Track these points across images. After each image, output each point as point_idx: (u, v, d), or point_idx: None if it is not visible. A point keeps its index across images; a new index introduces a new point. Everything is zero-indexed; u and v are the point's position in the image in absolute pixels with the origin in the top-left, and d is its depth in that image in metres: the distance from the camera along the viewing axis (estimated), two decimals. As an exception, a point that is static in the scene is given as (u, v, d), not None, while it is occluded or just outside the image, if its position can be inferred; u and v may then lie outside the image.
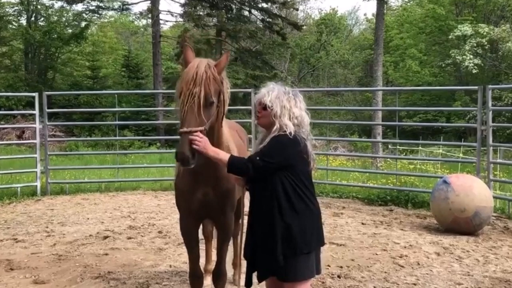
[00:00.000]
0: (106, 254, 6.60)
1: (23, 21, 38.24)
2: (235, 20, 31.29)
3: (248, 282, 3.58)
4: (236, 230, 4.53)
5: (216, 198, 3.78)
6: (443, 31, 34.22)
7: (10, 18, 37.02)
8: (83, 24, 37.64)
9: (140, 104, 31.87)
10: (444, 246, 7.01)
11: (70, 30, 38.16)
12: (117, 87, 36.60)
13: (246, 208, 3.78)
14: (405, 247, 6.98)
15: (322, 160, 12.49)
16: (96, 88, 35.53)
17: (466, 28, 28.10)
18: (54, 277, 5.72)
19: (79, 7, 35.97)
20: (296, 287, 3.36)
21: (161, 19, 34.05)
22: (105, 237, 7.47)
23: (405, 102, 34.46)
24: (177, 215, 8.63)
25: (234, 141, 4.16)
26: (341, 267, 6.00)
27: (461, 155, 16.22)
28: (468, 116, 28.10)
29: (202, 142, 3.28)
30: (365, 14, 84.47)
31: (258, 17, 33.33)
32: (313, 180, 3.61)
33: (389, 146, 21.80)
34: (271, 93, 3.42)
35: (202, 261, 4.63)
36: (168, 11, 47.31)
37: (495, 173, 11.10)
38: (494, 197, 8.54)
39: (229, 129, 4.09)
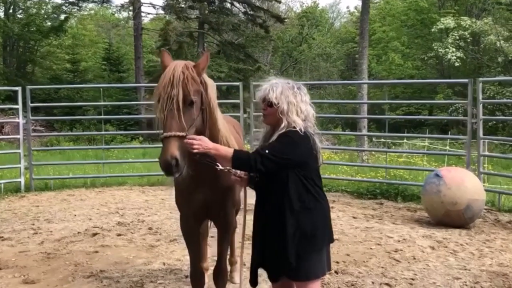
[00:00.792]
0: (97, 252, 6.44)
1: (1, 13, 37.58)
2: (218, 13, 31.08)
3: (254, 282, 3.48)
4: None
5: (218, 197, 3.67)
6: (425, 24, 34.42)
7: (-13, 10, 36.39)
8: (62, 16, 37.07)
9: (122, 98, 31.53)
10: (438, 240, 6.99)
11: (49, 23, 37.58)
12: (98, 81, 36.18)
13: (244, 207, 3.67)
14: (399, 241, 6.94)
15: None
16: (76, 82, 35.05)
17: (448, 21, 28.28)
18: (44, 276, 5.56)
19: (58, -1, 35.48)
20: (308, 285, 3.27)
21: (143, 12, 33.71)
22: (94, 234, 7.30)
23: (387, 95, 34.58)
24: (166, 211, 8.70)
25: (234, 137, 4.03)
26: (338, 262, 5.92)
27: (447, 147, 16.31)
28: (451, 109, 28.34)
29: (200, 142, 3.13)
30: (347, 7, 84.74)
31: (241, 9, 33.13)
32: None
33: (373, 139, 21.87)
34: (276, 89, 3.28)
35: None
36: (150, 4, 46.67)
37: (484, 165, 11.13)
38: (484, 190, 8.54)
39: (227, 124, 3.97)
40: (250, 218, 3.48)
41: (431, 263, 5.97)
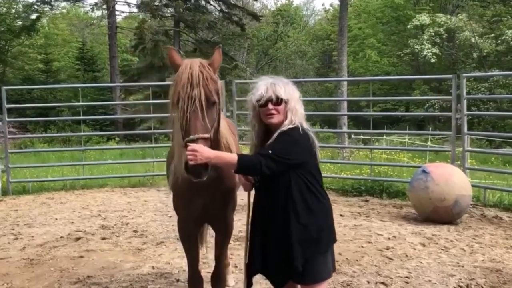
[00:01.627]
0: (82, 257, 6.23)
1: (-30, 12, 36.66)
2: (193, 11, 30.85)
3: (248, 284, 3.38)
4: None
5: (217, 201, 3.52)
6: (401, 21, 34.70)
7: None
8: (34, 15, 36.33)
9: (97, 98, 31.03)
10: (427, 237, 6.95)
11: (20, 22, 36.74)
12: (72, 81, 35.62)
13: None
14: (389, 239, 6.89)
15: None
16: (50, 82, 34.41)
17: (424, 18, 28.51)
18: (28, 283, 5.34)
19: (29, -2, 34.78)
20: None
21: (117, 10, 33.28)
22: (78, 238, 7.08)
23: (364, 92, 34.78)
24: (150, 213, 8.53)
25: (232, 137, 3.89)
26: (330, 262, 5.82)
27: (429, 143, 16.38)
28: (427, 105, 28.59)
29: (199, 152, 2.89)
30: (323, 5, 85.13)
31: (217, 7, 32.93)
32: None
33: (352, 136, 21.93)
34: (280, 85, 3.15)
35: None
36: (125, 2, 46.03)
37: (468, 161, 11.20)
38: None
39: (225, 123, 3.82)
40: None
41: (424, 260, 5.92)
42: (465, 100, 9.17)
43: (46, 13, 39.50)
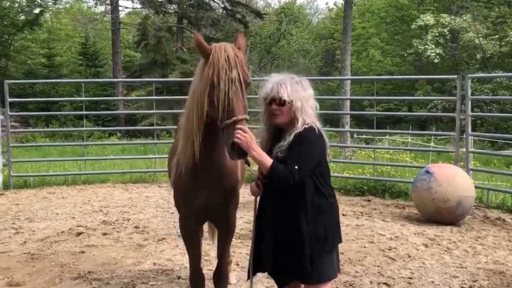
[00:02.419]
0: (83, 252, 6.21)
1: (-27, 6, 36.57)
2: (197, 8, 30.80)
3: (251, 282, 3.36)
4: None
5: (220, 198, 3.48)
6: (405, 20, 34.60)
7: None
8: (37, 10, 36.24)
9: (99, 93, 31.01)
10: (430, 237, 6.92)
11: (23, 17, 36.66)
12: (75, 76, 35.56)
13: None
14: (391, 239, 6.86)
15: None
16: (52, 77, 34.33)
17: (428, 18, 28.43)
18: (29, 278, 5.31)
19: (33, -8, 34.71)
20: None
21: (120, 6, 33.29)
22: (79, 234, 7.05)
23: (367, 91, 34.70)
24: (152, 209, 8.51)
25: None
26: (333, 261, 5.79)
27: (432, 143, 16.33)
28: (430, 105, 28.52)
29: (247, 137, 2.86)
30: (326, 3, 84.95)
31: (220, 4, 32.87)
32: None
33: (354, 135, 21.86)
34: (285, 85, 3.09)
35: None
36: (128, -3, 46.24)
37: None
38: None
39: None
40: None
41: (427, 261, 5.89)
42: (470, 101, 9.12)
43: (50, 8, 39.41)
